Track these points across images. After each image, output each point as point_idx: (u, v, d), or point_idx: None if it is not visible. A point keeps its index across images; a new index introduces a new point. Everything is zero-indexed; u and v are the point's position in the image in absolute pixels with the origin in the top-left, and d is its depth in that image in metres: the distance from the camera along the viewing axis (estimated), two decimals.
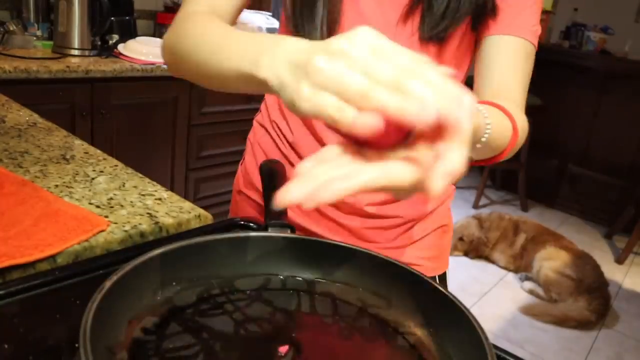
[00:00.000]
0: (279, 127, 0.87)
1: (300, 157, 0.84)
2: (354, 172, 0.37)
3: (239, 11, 0.76)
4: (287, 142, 0.86)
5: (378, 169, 0.37)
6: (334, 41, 0.38)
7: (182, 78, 0.70)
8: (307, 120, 0.82)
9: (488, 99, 0.66)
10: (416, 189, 0.38)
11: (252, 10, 2.68)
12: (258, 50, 0.46)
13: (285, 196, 0.36)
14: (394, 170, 0.37)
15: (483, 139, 0.54)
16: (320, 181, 0.36)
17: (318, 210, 0.85)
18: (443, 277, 0.95)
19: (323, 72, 0.37)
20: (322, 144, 0.81)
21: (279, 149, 0.87)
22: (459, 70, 0.78)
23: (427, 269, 0.90)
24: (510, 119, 0.62)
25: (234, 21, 0.76)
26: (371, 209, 0.83)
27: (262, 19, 2.80)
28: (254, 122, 0.95)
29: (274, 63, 0.43)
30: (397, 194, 0.39)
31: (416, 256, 0.89)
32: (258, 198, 0.92)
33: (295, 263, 0.53)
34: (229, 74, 0.52)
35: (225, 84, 0.56)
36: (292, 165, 0.85)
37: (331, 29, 0.73)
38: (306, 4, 0.73)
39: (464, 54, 0.78)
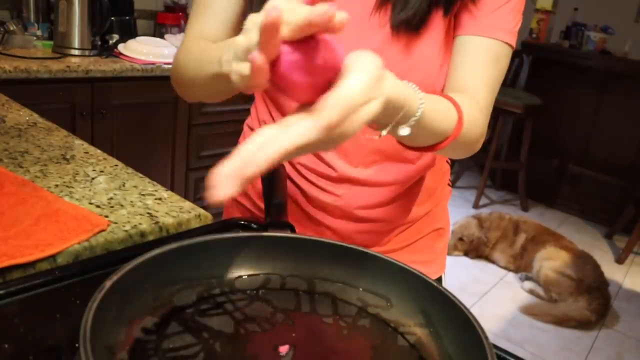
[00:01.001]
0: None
1: (291, 163, 0.83)
2: (269, 141, 0.40)
3: (240, 17, 0.76)
4: None
5: (289, 130, 0.40)
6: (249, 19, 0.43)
7: (195, 101, 0.81)
8: None
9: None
10: (330, 140, 0.41)
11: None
12: (222, 48, 0.52)
13: (213, 182, 0.38)
14: (300, 127, 0.40)
15: (417, 113, 0.53)
16: (244, 158, 0.39)
17: (308, 216, 0.85)
18: (438, 282, 0.93)
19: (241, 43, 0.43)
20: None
21: None
22: (443, 64, 0.74)
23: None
24: (457, 107, 0.61)
25: (237, 29, 0.76)
26: (361, 213, 0.82)
27: None
28: (244, 126, 0.95)
29: (228, 57, 0.47)
30: (317, 148, 0.42)
31: (410, 260, 0.84)
32: (248, 203, 0.91)
33: (295, 263, 0.53)
34: (210, 79, 0.59)
35: (213, 90, 0.64)
36: (282, 166, 0.84)
37: None
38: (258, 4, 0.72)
39: (447, 48, 0.74)
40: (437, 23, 0.72)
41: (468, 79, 0.70)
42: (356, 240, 0.85)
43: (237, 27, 0.77)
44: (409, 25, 0.70)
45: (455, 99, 0.62)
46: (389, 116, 0.50)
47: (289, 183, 0.84)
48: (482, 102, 0.69)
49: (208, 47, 0.66)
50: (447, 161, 0.91)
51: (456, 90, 0.70)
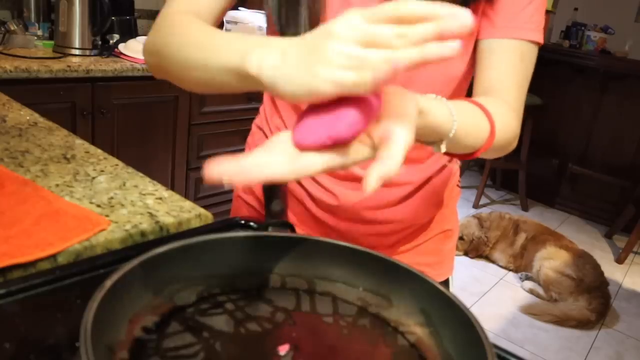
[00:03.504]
0: (277, 128, 0.86)
1: None
2: (265, 164, 0.43)
3: (223, 12, 0.75)
4: None
5: (289, 162, 0.43)
6: (326, 27, 0.42)
7: (165, 79, 0.69)
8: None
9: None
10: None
11: (252, 10, 2.68)
12: (247, 45, 0.49)
13: (214, 167, 0.41)
14: (305, 162, 0.43)
15: (450, 134, 0.55)
16: (246, 164, 0.42)
17: (315, 218, 0.84)
18: (445, 284, 0.92)
19: (342, 52, 0.40)
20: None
21: None
22: (448, 83, 0.75)
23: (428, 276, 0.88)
24: (489, 119, 0.61)
25: (217, 22, 0.74)
26: (369, 214, 0.82)
27: (261, 18, 2.80)
28: (253, 126, 0.94)
29: (267, 56, 0.45)
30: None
31: (416, 262, 0.86)
32: (256, 204, 0.91)
33: (296, 262, 0.53)
34: (215, 69, 0.54)
35: (210, 80, 0.57)
36: None
37: (314, 24, 0.72)
38: (290, 6, 0.71)
39: (465, 47, 0.73)
40: None
41: (498, 80, 0.70)
42: (363, 243, 0.83)
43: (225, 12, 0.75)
44: None
45: (487, 108, 0.62)
46: (423, 137, 0.54)
47: (295, 185, 0.84)
48: (514, 102, 0.70)
49: (212, 31, 0.61)
50: (456, 162, 0.90)
51: (486, 91, 0.70)
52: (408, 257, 0.87)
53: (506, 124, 0.66)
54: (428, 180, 0.84)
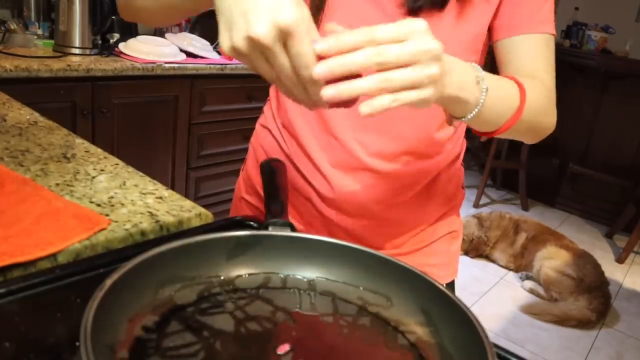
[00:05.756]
0: (284, 127, 0.85)
1: (307, 156, 0.82)
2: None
3: None
4: (293, 140, 0.83)
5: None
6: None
7: (133, 20, 0.83)
8: (316, 119, 0.80)
9: None
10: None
11: None
12: None
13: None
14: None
15: (482, 100, 0.58)
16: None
17: (321, 216, 0.83)
18: (451, 285, 0.92)
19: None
20: (333, 137, 0.80)
21: (282, 149, 0.85)
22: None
23: (435, 277, 0.88)
24: (520, 87, 0.65)
25: None
26: (377, 208, 0.81)
27: None
28: (257, 125, 0.93)
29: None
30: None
31: (425, 263, 0.87)
32: (260, 204, 0.91)
33: (296, 261, 0.53)
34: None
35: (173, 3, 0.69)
36: (296, 165, 0.84)
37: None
38: None
39: (473, 42, 0.75)
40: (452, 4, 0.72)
41: (527, 65, 0.74)
42: (372, 243, 0.82)
43: None
44: (433, 4, 0.71)
45: (519, 80, 0.66)
46: (450, 104, 0.57)
47: (302, 182, 0.83)
48: (548, 83, 0.74)
49: None
50: (461, 163, 0.91)
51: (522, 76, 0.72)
52: (416, 258, 0.87)
53: (539, 101, 0.69)
54: (437, 177, 0.84)
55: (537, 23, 0.74)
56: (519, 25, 0.74)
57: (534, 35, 0.74)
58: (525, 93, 0.64)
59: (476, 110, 0.58)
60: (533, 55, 0.74)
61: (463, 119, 0.59)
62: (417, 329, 0.48)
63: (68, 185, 0.74)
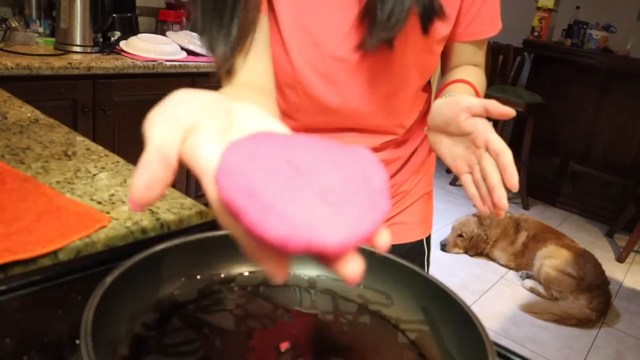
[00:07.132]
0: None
1: None
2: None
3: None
4: None
5: None
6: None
7: None
8: (315, 119, 0.83)
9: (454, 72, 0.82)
10: None
11: None
12: None
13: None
14: None
15: None
16: None
17: None
18: (429, 240, 1.03)
19: None
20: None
21: None
22: (421, 78, 0.83)
23: (417, 232, 0.98)
24: (475, 90, 0.77)
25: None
26: None
27: None
28: None
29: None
30: None
31: (407, 221, 0.98)
32: None
33: (296, 260, 0.53)
34: None
35: None
36: None
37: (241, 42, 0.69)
38: (217, 12, 0.67)
39: (421, 62, 0.80)
40: (410, 37, 0.74)
41: (472, 59, 0.86)
42: None
43: None
44: (385, 39, 0.70)
45: (474, 84, 0.78)
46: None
47: None
48: (482, 64, 0.88)
49: None
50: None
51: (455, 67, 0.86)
52: (399, 218, 0.97)
53: (483, 85, 0.83)
54: (414, 152, 0.95)
55: (487, 30, 0.82)
56: (471, 33, 0.81)
57: (482, 39, 0.84)
58: (479, 93, 0.77)
59: None
60: (476, 50, 0.85)
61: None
62: (417, 327, 0.48)
63: (69, 182, 0.74)
